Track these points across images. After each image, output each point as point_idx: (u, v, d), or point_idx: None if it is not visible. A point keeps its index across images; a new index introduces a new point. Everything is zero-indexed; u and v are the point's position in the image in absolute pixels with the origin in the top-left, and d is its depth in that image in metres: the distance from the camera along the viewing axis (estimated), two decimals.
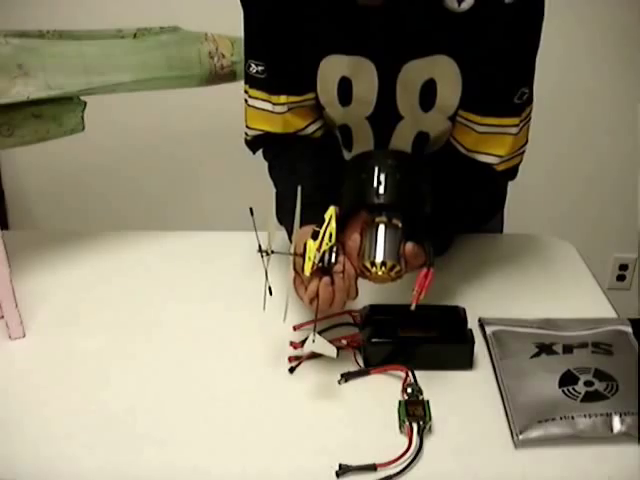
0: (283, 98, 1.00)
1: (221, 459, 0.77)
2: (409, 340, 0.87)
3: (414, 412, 0.79)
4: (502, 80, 0.94)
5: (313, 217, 0.87)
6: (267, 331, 0.94)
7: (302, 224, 0.85)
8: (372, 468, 0.74)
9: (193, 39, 1.09)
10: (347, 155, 1.09)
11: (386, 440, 0.77)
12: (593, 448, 0.77)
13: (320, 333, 0.92)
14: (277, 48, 0.98)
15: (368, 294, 0.96)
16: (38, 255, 1.11)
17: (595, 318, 0.95)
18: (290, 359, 0.90)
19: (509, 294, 1.03)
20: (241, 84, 1.08)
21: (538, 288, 1.04)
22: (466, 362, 0.89)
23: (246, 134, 1.07)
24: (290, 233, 0.94)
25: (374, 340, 0.88)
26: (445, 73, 0.94)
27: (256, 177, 1.76)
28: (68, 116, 1.02)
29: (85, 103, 1.05)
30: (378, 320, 0.90)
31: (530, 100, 0.98)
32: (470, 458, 0.76)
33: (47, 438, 0.79)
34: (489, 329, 0.94)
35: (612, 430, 0.77)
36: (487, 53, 0.92)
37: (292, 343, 0.92)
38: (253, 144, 1.08)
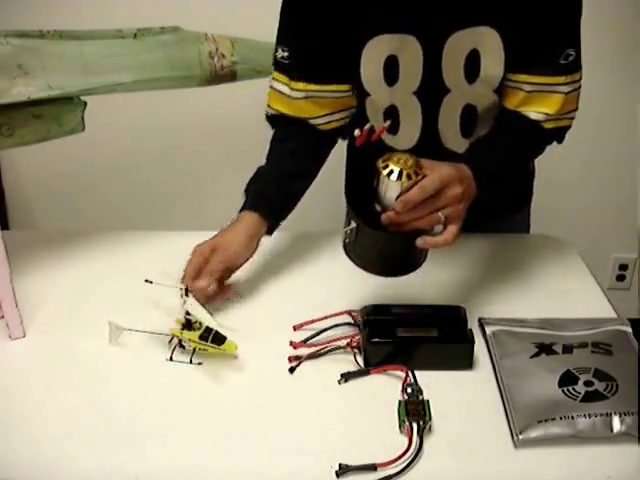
0: (301, 85, 1.03)
1: (221, 459, 0.77)
2: (409, 340, 0.87)
3: (414, 412, 0.79)
4: (546, 41, 0.95)
5: (251, 204, 1.01)
6: (267, 331, 0.94)
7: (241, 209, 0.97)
8: (372, 468, 0.74)
9: (193, 39, 1.09)
10: (390, 141, 1.09)
11: (386, 440, 0.77)
12: (593, 448, 0.77)
13: (320, 333, 0.92)
14: (304, 37, 1.01)
15: (368, 294, 0.96)
16: (38, 255, 1.11)
17: (595, 318, 0.95)
18: (290, 359, 0.90)
19: (509, 294, 1.03)
20: (241, 84, 1.08)
21: (538, 288, 1.04)
22: (466, 362, 0.89)
23: (266, 112, 1.11)
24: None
25: (374, 340, 0.88)
26: (488, 44, 0.96)
27: None
28: (68, 116, 1.02)
29: (85, 103, 1.05)
30: (378, 320, 0.90)
31: (578, 65, 0.99)
32: (470, 458, 0.76)
33: (47, 438, 0.79)
34: (489, 329, 0.94)
35: (612, 430, 0.77)
36: (529, 20, 0.94)
37: (292, 343, 0.92)
38: (272, 121, 1.12)
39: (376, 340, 0.88)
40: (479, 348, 0.90)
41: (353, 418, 0.81)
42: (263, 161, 1.11)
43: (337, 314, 0.94)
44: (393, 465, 0.74)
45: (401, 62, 0.99)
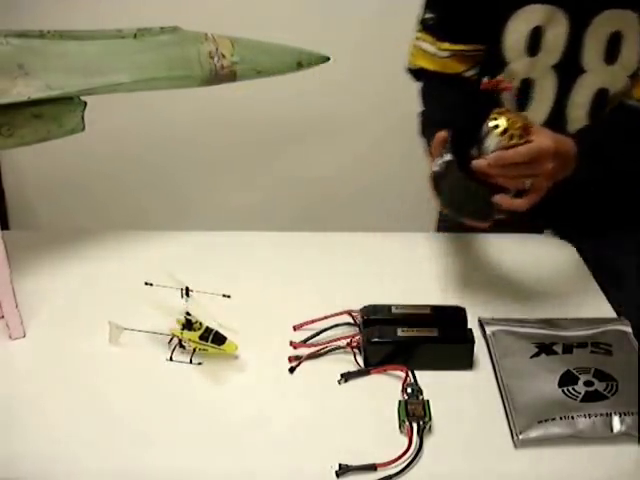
0: (447, 45, 1.09)
1: (221, 459, 0.77)
2: (409, 340, 0.88)
3: (414, 412, 0.79)
4: None
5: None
6: (267, 331, 0.94)
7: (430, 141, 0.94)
8: (372, 468, 0.74)
9: (193, 39, 1.09)
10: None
11: (386, 440, 0.77)
12: (593, 448, 0.77)
13: (320, 333, 0.92)
14: (454, 3, 1.05)
15: (368, 294, 0.96)
16: (38, 255, 1.11)
17: (595, 318, 0.95)
18: (290, 359, 0.90)
19: (509, 294, 1.03)
20: (241, 84, 1.08)
21: (538, 288, 1.04)
22: (466, 362, 0.89)
23: (408, 66, 1.17)
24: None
25: (374, 340, 0.88)
26: (632, 28, 0.98)
27: (257, 177, 1.76)
28: (68, 116, 1.02)
29: (85, 103, 1.05)
30: (378, 320, 0.91)
31: None
32: (470, 458, 0.77)
33: (47, 438, 0.79)
34: (489, 329, 0.94)
35: (612, 430, 0.77)
36: None
37: (292, 343, 0.92)
38: (415, 74, 1.17)
39: (376, 340, 0.88)
40: (479, 348, 0.90)
41: (353, 418, 0.81)
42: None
43: (337, 314, 0.94)
44: (393, 465, 0.74)
45: (545, 34, 1.02)
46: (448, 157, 0.90)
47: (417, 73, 1.16)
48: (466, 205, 0.92)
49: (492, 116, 0.88)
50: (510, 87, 1.04)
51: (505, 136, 0.86)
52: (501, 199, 0.88)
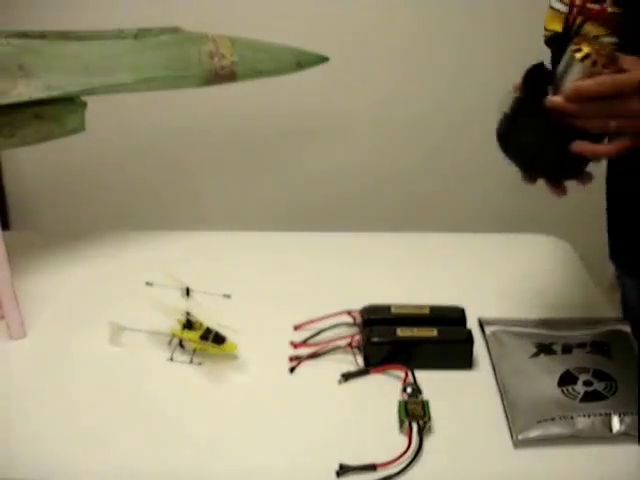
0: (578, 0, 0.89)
1: (221, 459, 0.77)
2: (409, 340, 0.88)
3: (414, 412, 0.79)
4: None
5: None
6: (267, 331, 0.94)
7: None
8: (372, 468, 0.74)
9: (193, 39, 1.09)
10: None
11: (386, 440, 0.77)
12: (592, 448, 0.77)
13: (320, 333, 0.93)
14: None
15: (368, 294, 0.96)
16: (39, 255, 1.12)
17: (594, 318, 0.95)
18: (290, 359, 0.90)
19: (509, 294, 1.03)
20: (241, 84, 1.08)
21: (538, 288, 1.05)
22: (466, 362, 0.89)
23: (544, 35, 0.99)
24: None
25: (374, 340, 0.88)
26: None
27: (257, 177, 1.76)
28: (69, 116, 1.02)
29: (86, 103, 1.05)
30: (378, 320, 0.91)
31: None
32: (470, 458, 0.77)
33: (47, 438, 0.79)
34: (489, 329, 0.94)
35: (611, 430, 0.77)
36: None
37: (292, 343, 0.92)
38: (549, 44, 0.98)
39: (376, 340, 0.88)
40: (479, 348, 0.90)
41: (353, 418, 0.82)
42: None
43: (337, 314, 0.94)
44: (393, 465, 0.74)
45: None
46: (518, 95, 0.78)
47: (551, 41, 0.97)
48: (540, 156, 0.78)
49: (573, 43, 0.74)
50: (602, 11, 0.81)
51: (587, 61, 0.72)
52: (581, 145, 0.74)
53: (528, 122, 0.77)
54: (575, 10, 0.78)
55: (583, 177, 0.78)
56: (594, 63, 0.72)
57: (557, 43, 0.79)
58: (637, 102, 0.72)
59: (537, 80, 0.77)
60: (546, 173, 0.79)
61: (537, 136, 0.77)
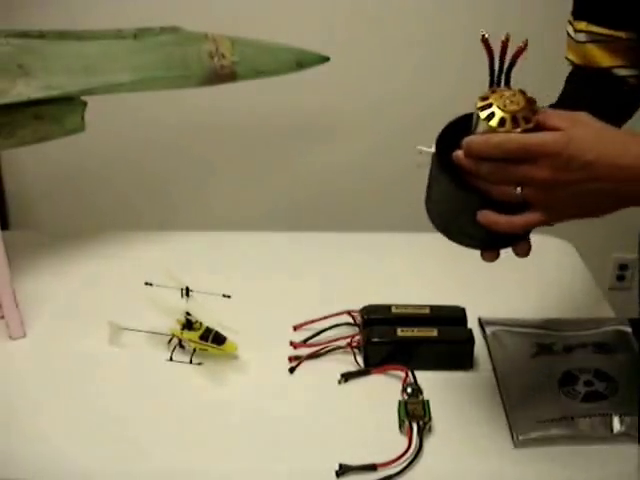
0: (583, 25, 0.84)
1: (221, 459, 0.77)
2: (409, 340, 0.88)
3: (414, 412, 0.79)
4: None
5: None
6: (267, 331, 0.94)
7: None
8: (372, 468, 0.74)
9: (193, 39, 1.09)
10: None
11: (386, 440, 0.77)
12: (593, 448, 0.77)
13: (320, 333, 0.92)
14: None
15: (368, 294, 0.96)
16: (38, 255, 1.11)
17: (595, 318, 0.95)
18: (290, 359, 0.90)
19: (509, 294, 1.03)
20: (241, 84, 1.08)
21: (538, 288, 1.04)
22: (466, 362, 0.89)
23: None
24: None
25: (374, 340, 0.88)
26: None
27: (257, 177, 1.76)
28: (69, 116, 1.02)
29: (86, 103, 1.05)
30: (378, 320, 0.91)
31: None
32: (470, 458, 0.77)
33: (47, 438, 0.79)
34: (489, 329, 0.94)
35: (612, 430, 0.77)
36: None
37: (292, 343, 0.92)
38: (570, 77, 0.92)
39: (376, 340, 0.88)
40: (479, 348, 0.90)
41: (353, 418, 0.81)
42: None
43: (337, 314, 0.94)
44: (393, 465, 0.74)
45: None
46: (431, 150, 0.69)
47: (572, 74, 0.90)
48: (455, 222, 0.68)
49: (479, 97, 0.64)
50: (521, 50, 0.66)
51: (493, 121, 0.62)
52: (485, 215, 0.63)
53: (440, 183, 0.67)
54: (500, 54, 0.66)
55: (517, 247, 0.69)
56: (501, 122, 0.62)
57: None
58: (538, 169, 0.60)
59: (453, 135, 0.66)
60: (465, 243, 0.69)
61: (448, 200, 0.67)
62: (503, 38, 0.65)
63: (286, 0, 1.50)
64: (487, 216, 0.64)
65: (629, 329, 0.92)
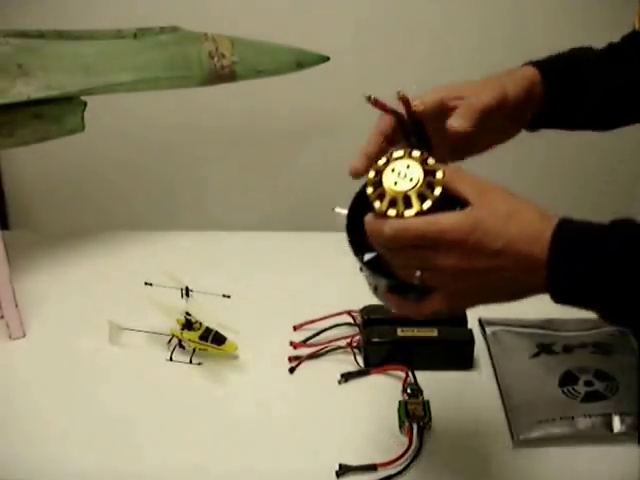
0: None
1: (220, 459, 0.77)
2: (409, 340, 0.87)
3: (414, 412, 0.79)
4: None
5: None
6: (267, 331, 0.94)
7: None
8: (372, 468, 0.74)
9: (193, 39, 1.09)
10: None
11: (386, 440, 0.77)
12: (593, 448, 0.77)
13: (320, 333, 0.92)
14: None
15: (368, 294, 0.96)
16: (38, 255, 1.11)
17: (595, 318, 0.95)
18: (290, 359, 0.90)
19: None
20: (241, 84, 1.08)
21: None
22: (466, 362, 0.89)
23: None
24: None
25: (374, 340, 0.88)
26: None
27: (257, 177, 1.76)
28: (68, 116, 1.02)
29: (85, 103, 1.05)
30: (378, 320, 0.91)
31: None
32: (470, 458, 0.76)
33: (47, 438, 0.79)
34: (489, 329, 0.94)
35: (612, 430, 0.77)
36: None
37: (292, 343, 0.92)
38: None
39: (376, 340, 0.88)
40: (479, 348, 0.90)
41: (353, 418, 0.81)
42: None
43: (337, 314, 0.94)
44: (393, 465, 0.74)
45: None
46: (343, 210, 0.66)
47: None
48: (377, 294, 0.63)
49: (376, 165, 0.56)
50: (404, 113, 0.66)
51: (384, 202, 0.54)
52: (389, 297, 0.60)
53: (356, 251, 0.61)
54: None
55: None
56: (392, 203, 0.53)
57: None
58: (440, 256, 0.53)
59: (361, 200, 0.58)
60: (394, 312, 0.63)
61: (367, 276, 0.62)
62: (400, 94, 0.64)
63: (286, 0, 1.50)
64: (391, 298, 0.60)
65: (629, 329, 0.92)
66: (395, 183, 0.54)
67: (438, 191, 0.53)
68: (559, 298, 0.55)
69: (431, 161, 0.55)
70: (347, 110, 1.66)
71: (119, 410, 0.82)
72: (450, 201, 0.54)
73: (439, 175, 0.54)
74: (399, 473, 0.73)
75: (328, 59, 1.13)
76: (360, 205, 0.59)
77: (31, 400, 0.84)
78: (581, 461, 0.76)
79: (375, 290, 0.62)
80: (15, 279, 0.92)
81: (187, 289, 0.94)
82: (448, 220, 0.52)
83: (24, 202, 2.01)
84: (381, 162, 0.56)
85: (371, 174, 0.56)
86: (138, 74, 1.04)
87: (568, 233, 0.52)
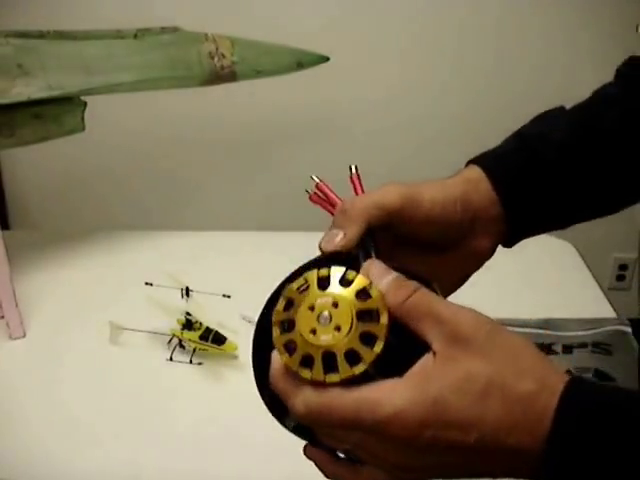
0: None
1: (221, 459, 0.77)
2: None
3: None
4: None
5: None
6: None
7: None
8: None
9: (193, 39, 1.09)
10: None
11: None
12: None
13: None
14: None
15: None
16: (38, 255, 1.11)
17: (595, 318, 0.95)
18: None
19: (509, 294, 1.03)
20: (241, 84, 1.08)
21: (538, 288, 1.04)
22: None
23: None
24: None
25: None
26: None
27: (257, 177, 1.76)
28: (68, 116, 1.02)
29: (85, 103, 1.05)
30: None
31: None
32: None
33: (47, 437, 0.79)
34: None
35: None
36: None
37: None
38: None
39: None
40: None
41: None
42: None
43: None
44: None
45: None
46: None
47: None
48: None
49: (286, 291, 0.44)
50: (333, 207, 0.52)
51: (294, 357, 0.38)
52: (313, 453, 0.49)
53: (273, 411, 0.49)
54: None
55: None
56: (305, 362, 0.38)
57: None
58: (381, 448, 0.38)
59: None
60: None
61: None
62: (353, 172, 0.50)
63: (286, 0, 1.50)
64: (315, 455, 0.49)
65: (629, 329, 0.92)
66: (313, 331, 0.37)
67: (379, 347, 0.35)
68: None
69: (375, 293, 0.37)
70: (347, 110, 1.67)
71: (119, 410, 0.82)
72: (401, 346, 0.36)
73: (383, 320, 0.36)
74: None
75: (328, 59, 1.13)
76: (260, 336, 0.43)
77: (31, 400, 0.84)
78: None
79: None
80: (15, 279, 0.92)
81: (187, 289, 0.94)
82: (392, 402, 0.35)
83: (24, 202, 2.01)
84: (297, 284, 0.41)
85: (280, 304, 0.41)
86: (138, 74, 1.04)
87: (575, 423, 0.35)
